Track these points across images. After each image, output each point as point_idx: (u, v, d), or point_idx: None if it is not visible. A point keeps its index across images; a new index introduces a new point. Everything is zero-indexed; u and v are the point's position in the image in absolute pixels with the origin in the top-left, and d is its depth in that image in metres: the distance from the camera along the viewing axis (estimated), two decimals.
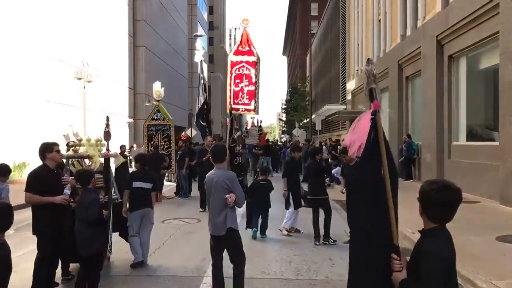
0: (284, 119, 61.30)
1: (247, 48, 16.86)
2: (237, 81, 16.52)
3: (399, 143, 19.86)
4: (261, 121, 24.80)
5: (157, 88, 15.08)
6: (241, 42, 16.88)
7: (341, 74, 37.72)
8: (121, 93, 32.07)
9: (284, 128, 66.07)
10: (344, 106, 35.63)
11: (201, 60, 19.45)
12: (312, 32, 63.28)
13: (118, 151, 14.85)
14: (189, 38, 49.61)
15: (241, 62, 16.81)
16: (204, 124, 18.68)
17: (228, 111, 16.83)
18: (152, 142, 14.87)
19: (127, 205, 6.88)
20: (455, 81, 15.69)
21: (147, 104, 30.35)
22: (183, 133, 22.99)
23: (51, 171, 5.63)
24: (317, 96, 55.21)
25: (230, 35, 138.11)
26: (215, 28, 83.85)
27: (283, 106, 58.90)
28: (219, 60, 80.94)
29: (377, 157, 2.94)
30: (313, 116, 45.25)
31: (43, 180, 5.42)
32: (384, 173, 2.91)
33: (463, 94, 15.35)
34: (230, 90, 16.52)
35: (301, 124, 49.47)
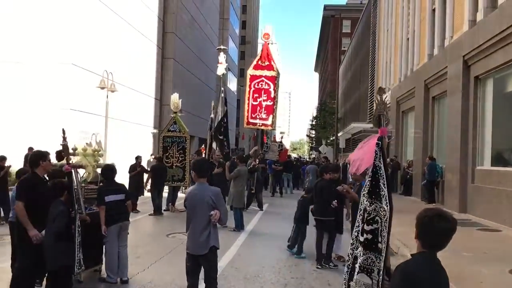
0: (312, 135, 60.93)
1: (267, 63, 16.75)
2: (256, 95, 16.41)
3: (423, 164, 19.25)
4: (281, 137, 24.54)
5: (175, 99, 15.07)
6: (261, 56, 16.79)
7: (369, 92, 37.16)
8: (147, 104, 32.44)
9: (312, 145, 65.57)
10: (371, 125, 34.99)
11: (223, 74, 19.47)
12: (343, 49, 62.99)
13: (134, 161, 14.84)
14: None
15: (261, 76, 16.69)
16: (221, 137, 18.64)
17: (245, 125, 16.72)
18: (167, 154, 14.84)
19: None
20: (481, 103, 15.11)
21: (172, 116, 30.52)
22: (202, 146, 22.92)
23: (42, 180, 5.55)
24: (346, 113, 54.60)
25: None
26: (247, 43, 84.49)
27: (311, 123, 58.57)
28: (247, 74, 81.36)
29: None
30: (340, 134, 44.74)
31: (35, 189, 5.34)
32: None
33: (489, 117, 14.74)
34: (248, 104, 16.43)
35: (328, 141, 48.97)
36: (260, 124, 16.21)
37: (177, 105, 15.07)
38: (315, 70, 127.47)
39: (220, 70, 20.47)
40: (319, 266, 7.94)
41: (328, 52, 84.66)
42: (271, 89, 16.11)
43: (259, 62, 16.47)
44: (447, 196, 16.87)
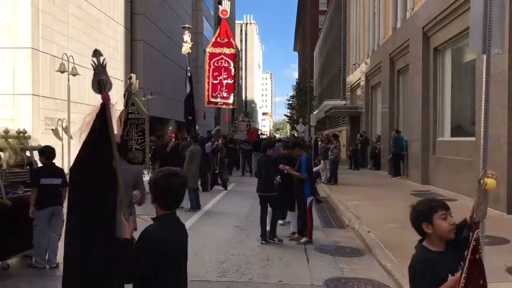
0: (289, 115, 60.87)
1: (226, 40, 16.39)
2: (216, 73, 16.09)
3: (390, 138, 19.30)
4: (250, 116, 24.34)
5: (132, 80, 14.69)
6: (219, 33, 16.39)
7: (342, 69, 37.08)
8: (117, 87, 31.82)
9: (291, 124, 65.51)
10: (344, 102, 35.01)
11: (188, 53, 19.10)
12: (320, 27, 62.68)
13: None
14: (194, 33, 49.23)
15: (220, 54, 16.36)
16: (190, 118, 18.39)
17: (206, 104, 16.44)
18: (126, 137, 14.53)
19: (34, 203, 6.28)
20: (440, 74, 15.11)
21: (143, 99, 30.03)
22: (169, 128, 22.64)
23: None
24: (322, 91, 54.54)
25: (241, 30, 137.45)
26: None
27: (288, 102, 58.53)
28: None
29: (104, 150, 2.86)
30: (315, 112, 44.76)
31: None
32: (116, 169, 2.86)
33: (448, 89, 14.76)
34: (208, 82, 16.09)
35: (306, 120, 49.00)
36: (222, 103, 15.96)
37: (135, 86, 14.70)
38: (294, 49, 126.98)
39: (185, 49, 20.09)
40: (263, 242, 7.86)
41: (305, 31, 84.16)
42: (231, 67, 15.83)
43: (218, 39, 16.12)
44: (411, 169, 16.96)
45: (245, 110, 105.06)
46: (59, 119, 22.39)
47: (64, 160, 20.73)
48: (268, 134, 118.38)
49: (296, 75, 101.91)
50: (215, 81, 15.87)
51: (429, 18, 14.62)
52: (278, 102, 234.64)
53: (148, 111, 29.50)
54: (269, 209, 8.14)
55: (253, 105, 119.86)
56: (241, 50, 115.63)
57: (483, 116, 4.96)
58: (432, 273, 2.51)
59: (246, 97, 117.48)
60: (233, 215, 10.70)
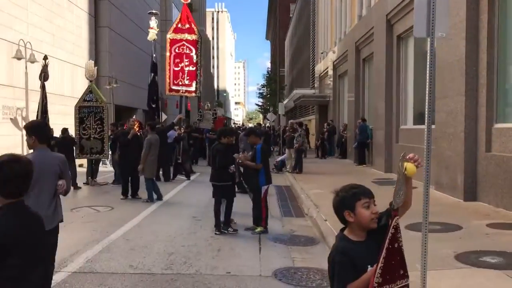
0: (260, 104, 60.73)
1: (187, 26, 15.93)
2: (177, 60, 15.67)
3: (356, 127, 19.34)
4: (216, 105, 24.03)
5: (90, 67, 14.25)
6: (181, 19, 15.90)
7: (311, 58, 37.04)
8: (80, 75, 30.94)
9: (262, 113, 65.40)
10: (313, 91, 35.01)
11: (154, 39, 18.64)
12: (290, 16, 62.44)
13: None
14: (162, 20, 48.35)
15: (181, 40, 15.91)
16: (154, 106, 17.98)
17: (167, 92, 16.03)
18: (84, 125, 14.12)
19: None
20: (403, 63, 15.13)
21: (107, 87, 29.31)
22: (133, 117, 22.12)
23: None
24: (293, 80, 54.50)
25: (212, 18, 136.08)
26: (194, 11, 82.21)
27: (259, 91, 58.37)
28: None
29: None
30: (285, 101, 44.71)
31: None
32: None
33: (410, 77, 14.80)
34: (170, 70, 15.64)
35: (276, 109, 48.91)
36: (184, 91, 15.60)
37: (93, 73, 14.29)
38: (267, 38, 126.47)
39: (151, 35, 19.62)
40: (217, 232, 7.68)
41: (277, 19, 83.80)
42: (193, 54, 15.47)
43: (179, 25, 15.70)
44: (375, 157, 17.04)
45: (217, 99, 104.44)
46: (18, 108, 21.64)
47: (24, 150, 20.09)
48: (241, 123, 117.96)
49: (269, 64, 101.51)
50: (176, 68, 15.50)
51: (393, 5, 14.58)
52: (251, 91, 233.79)
53: (113, 100, 29.02)
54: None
55: (225, 94, 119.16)
56: (213, 38, 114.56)
57: (427, 101, 4.88)
58: (352, 264, 2.36)
59: (218, 86, 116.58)
60: (192, 205, 10.49)
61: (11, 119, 21.43)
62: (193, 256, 6.41)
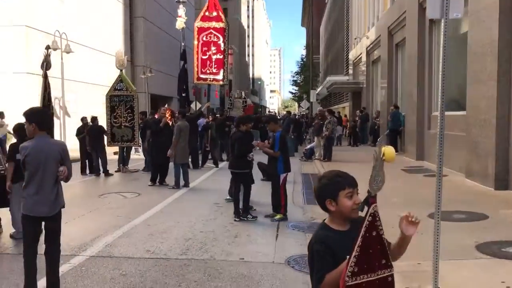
0: (293, 91, 60.21)
1: (215, 14, 15.92)
2: (205, 49, 15.72)
3: (388, 114, 18.95)
4: (245, 93, 24.05)
5: (120, 56, 14.49)
6: (208, 7, 15.92)
7: (345, 44, 36.43)
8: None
9: (296, 101, 64.90)
10: (347, 77, 34.48)
11: (183, 28, 18.77)
12: (326, 1, 61.48)
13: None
14: (197, 9, 48.59)
15: (209, 28, 15.94)
16: (184, 95, 18.15)
17: (195, 81, 16.09)
18: (115, 114, 14.43)
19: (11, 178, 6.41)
20: (436, 47, 14.65)
21: (142, 76, 29.79)
22: (166, 106, 22.37)
23: None
24: (327, 67, 53.82)
25: (248, 7, 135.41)
26: None
27: (293, 79, 57.76)
28: (233, 32, 79.58)
29: None
30: (319, 88, 44.25)
31: None
32: None
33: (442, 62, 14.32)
34: (197, 58, 15.72)
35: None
36: (211, 79, 15.66)
37: (123, 62, 14.50)
38: (302, 25, 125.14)
39: (179, 23, 19.74)
40: (236, 219, 7.72)
41: (312, 5, 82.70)
42: (221, 42, 15.48)
43: (206, 13, 15.71)
44: (407, 145, 16.69)
45: (252, 87, 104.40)
46: (55, 98, 22.30)
47: (62, 137, 20.73)
48: (276, 111, 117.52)
49: (304, 51, 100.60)
50: (204, 57, 15.56)
51: None
52: (287, 79, 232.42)
53: (147, 89, 29.46)
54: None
55: (259, 82, 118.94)
56: (248, 27, 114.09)
57: (440, 86, 4.71)
58: (331, 253, 2.29)
59: (253, 74, 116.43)
60: (216, 192, 10.55)
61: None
62: (209, 242, 6.47)
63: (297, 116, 24.41)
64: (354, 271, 2.11)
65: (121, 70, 14.51)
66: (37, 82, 21.30)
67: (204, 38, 15.51)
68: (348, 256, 2.20)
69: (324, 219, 2.45)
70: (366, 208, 2.32)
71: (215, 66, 15.48)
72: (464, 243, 5.84)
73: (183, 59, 17.05)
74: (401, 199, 8.85)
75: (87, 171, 14.08)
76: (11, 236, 6.67)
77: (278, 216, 7.75)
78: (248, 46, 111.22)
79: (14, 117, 20.90)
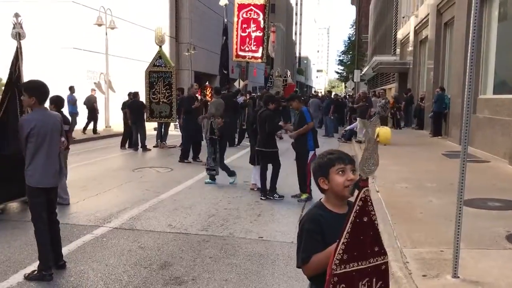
0: (339, 71, 59.03)
1: None
2: (244, 26, 15.56)
3: (433, 96, 18.26)
4: (290, 73, 23.67)
5: (159, 32, 14.57)
6: None
7: (394, 23, 35.18)
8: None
9: (342, 81, 63.71)
10: (394, 58, 33.39)
11: (226, 4, 18.65)
12: None
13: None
14: None
15: (249, 5, 15.73)
16: (225, 72, 18.11)
17: (234, 58, 16.02)
18: (153, 90, 14.61)
19: None
20: (486, 26, 13.87)
21: (186, 54, 30.01)
22: (206, 83, 22.51)
23: None
24: (375, 47, 52.33)
25: None
26: None
27: (339, 58, 56.56)
28: (281, 10, 78.68)
29: None
30: (366, 68, 43.18)
31: None
32: None
33: (493, 42, 13.56)
34: (237, 35, 15.60)
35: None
36: (250, 57, 15.52)
37: (162, 38, 14.58)
38: (352, 3, 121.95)
39: (223, 0, 19.63)
40: (263, 198, 7.68)
41: None
42: (260, 19, 15.26)
43: None
44: (451, 128, 16.04)
45: (298, 67, 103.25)
46: (101, 73, 22.86)
47: (106, 113, 21.32)
48: (322, 91, 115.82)
49: (353, 30, 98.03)
50: (243, 34, 15.43)
51: None
52: (335, 59, 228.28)
53: (191, 66, 29.60)
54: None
55: (305, 62, 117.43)
56: (296, 4, 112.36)
57: (468, 66, 4.43)
58: (322, 234, 2.19)
59: (300, 53, 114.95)
60: (248, 171, 10.50)
61: (94, 83, 22.76)
62: (232, 219, 6.48)
63: (338, 97, 23.85)
64: (343, 258, 1.98)
65: (160, 47, 14.61)
66: (83, 57, 21.93)
67: (244, 15, 15.37)
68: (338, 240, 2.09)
69: (321, 198, 2.34)
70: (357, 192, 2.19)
71: (254, 43, 15.33)
72: (494, 232, 5.56)
73: (225, 34, 16.96)
74: (435, 184, 8.54)
75: (127, 145, 14.42)
76: None
77: (304, 196, 7.65)
78: (296, 24, 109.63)
79: (61, 92, 21.55)
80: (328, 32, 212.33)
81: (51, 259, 4.37)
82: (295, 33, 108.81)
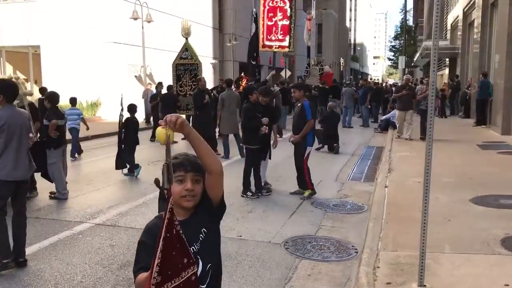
0: (391, 58, 56.86)
1: None
2: (271, 14, 15.15)
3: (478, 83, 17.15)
4: (323, 59, 23.02)
5: (185, 24, 14.53)
6: None
7: (445, 6, 33.36)
8: (204, 34, 31.99)
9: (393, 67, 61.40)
10: (446, 42, 31.68)
11: None
12: None
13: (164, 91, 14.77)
14: None
15: None
16: (254, 63, 17.87)
17: (260, 48, 15.68)
18: (180, 82, 14.65)
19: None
20: None
21: (228, 44, 29.98)
22: (242, 74, 22.24)
23: None
24: (430, 32, 49.99)
25: None
26: None
27: (391, 44, 54.35)
28: None
29: None
30: (418, 54, 41.38)
31: None
32: None
33: None
34: (263, 24, 15.21)
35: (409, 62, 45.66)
36: (277, 46, 15.13)
37: (188, 31, 14.54)
38: None
39: None
40: (243, 195, 7.33)
41: None
42: (287, 7, 14.81)
43: None
44: (495, 117, 15.00)
45: (353, 54, 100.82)
46: (142, 66, 23.27)
47: (145, 106, 21.66)
48: (380, 79, 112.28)
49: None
50: (270, 23, 15.09)
51: None
52: (391, 45, 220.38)
53: (233, 57, 29.51)
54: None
55: (359, 48, 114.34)
56: None
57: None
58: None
59: (355, 39, 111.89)
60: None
61: (135, 76, 23.25)
62: None
63: (377, 84, 22.92)
64: (158, 282, 1.75)
65: (186, 39, 14.58)
66: (122, 51, 22.38)
67: (270, 4, 15.03)
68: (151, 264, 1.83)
69: None
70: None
71: (281, 32, 14.96)
72: (491, 235, 5.06)
73: (255, 22, 16.67)
74: (452, 179, 7.97)
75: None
76: (54, 198, 7.11)
77: (307, 193, 7.31)
78: (350, 10, 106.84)
79: (103, 86, 22.00)
80: (386, 17, 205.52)
81: (10, 247, 4.47)
82: (350, 19, 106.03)
